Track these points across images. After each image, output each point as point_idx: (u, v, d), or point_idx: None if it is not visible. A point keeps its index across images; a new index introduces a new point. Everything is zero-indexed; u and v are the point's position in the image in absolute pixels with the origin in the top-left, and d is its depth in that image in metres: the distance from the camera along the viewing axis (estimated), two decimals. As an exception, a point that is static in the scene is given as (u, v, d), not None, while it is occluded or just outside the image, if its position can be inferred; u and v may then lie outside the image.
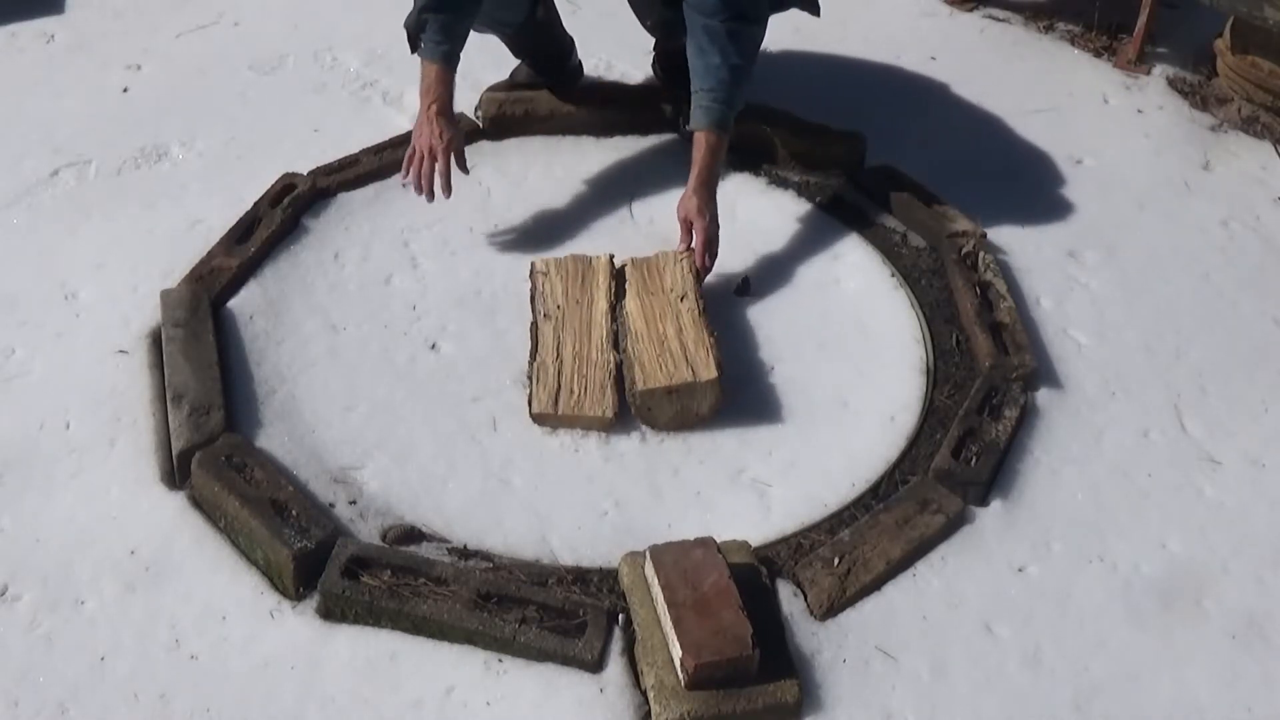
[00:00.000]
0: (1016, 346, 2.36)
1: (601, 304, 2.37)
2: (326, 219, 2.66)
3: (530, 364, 2.27)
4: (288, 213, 2.61)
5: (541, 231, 2.68)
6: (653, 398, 2.17)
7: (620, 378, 2.24)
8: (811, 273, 2.61)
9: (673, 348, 2.25)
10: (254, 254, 2.50)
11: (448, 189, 2.51)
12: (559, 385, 2.21)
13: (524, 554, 2.00)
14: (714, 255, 2.50)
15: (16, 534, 1.99)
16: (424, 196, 2.51)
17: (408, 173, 2.53)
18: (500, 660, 1.84)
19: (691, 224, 2.50)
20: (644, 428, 2.21)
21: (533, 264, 2.47)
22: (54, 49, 3.32)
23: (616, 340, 2.32)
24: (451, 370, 2.33)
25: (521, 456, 2.17)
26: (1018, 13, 3.71)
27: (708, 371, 2.20)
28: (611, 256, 2.49)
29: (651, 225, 2.71)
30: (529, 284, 2.44)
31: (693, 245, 2.49)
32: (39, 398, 2.22)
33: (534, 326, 2.34)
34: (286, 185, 2.68)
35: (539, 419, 2.19)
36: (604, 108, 2.96)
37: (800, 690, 1.78)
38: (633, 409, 2.19)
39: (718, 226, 2.53)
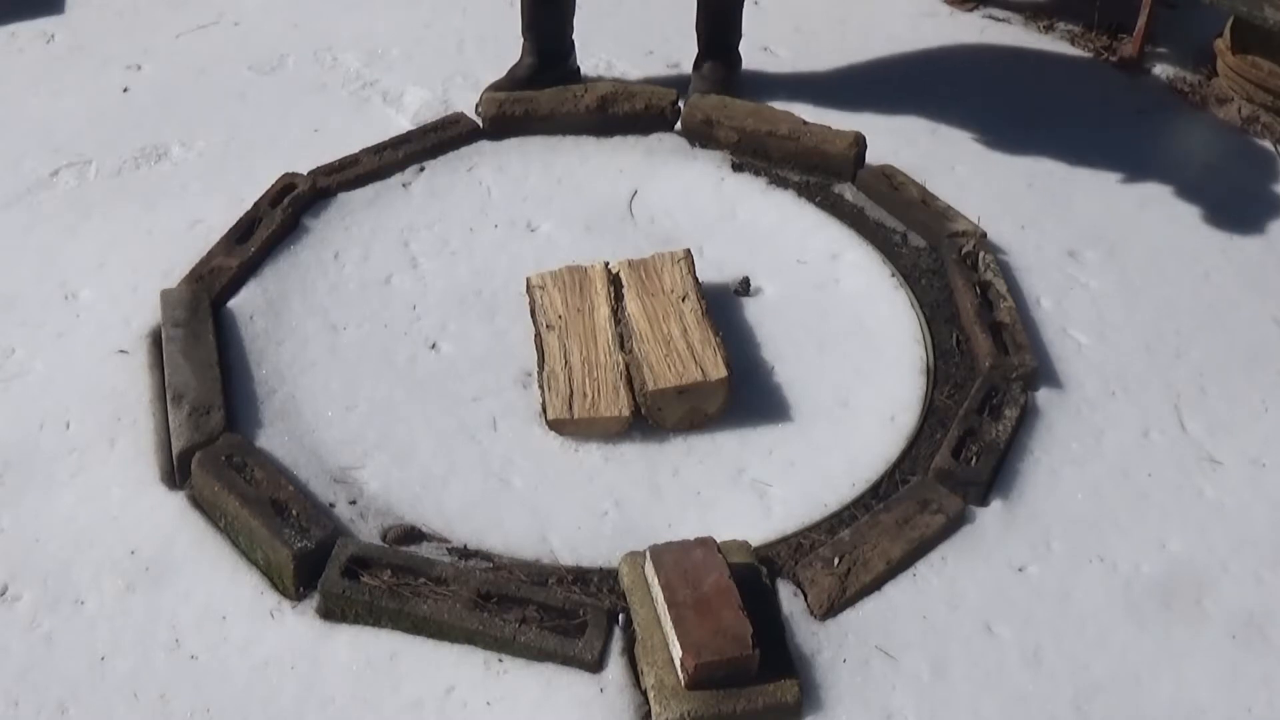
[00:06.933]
0: (1016, 346, 2.36)
1: (603, 309, 2.37)
2: (326, 219, 2.66)
3: (539, 374, 2.26)
4: (288, 213, 2.60)
5: (541, 231, 2.68)
6: (663, 398, 2.17)
7: (630, 378, 2.24)
8: (811, 273, 2.61)
9: (679, 348, 2.25)
10: (254, 254, 2.50)
11: None
12: (571, 390, 2.21)
13: (524, 554, 2.00)
14: None
15: (16, 534, 1.99)
16: None
17: None
18: (500, 660, 1.84)
19: None
20: (644, 428, 2.21)
21: (528, 279, 2.46)
22: (54, 49, 3.32)
23: (622, 343, 2.32)
24: (451, 370, 2.33)
25: (521, 456, 2.17)
26: (1018, 13, 3.71)
27: (717, 371, 2.20)
28: (606, 264, 2.48)
29: (652, 225, 2.71)
30: (527, 298, 2.44)
31: None
32: (39, 398, 2.22)
33: (538, 338, 2.33)
34: (286, 185, 2.68)
35: (555, 426, 2.19)
36: (604, 108, 2.96)
37: (800, 690, 1.78)
38: (643, 409, 2.19)
39: None
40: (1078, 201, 2.88)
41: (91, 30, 3.40)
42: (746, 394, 2.29)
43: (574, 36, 3.13)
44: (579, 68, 3.18)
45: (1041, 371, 2.36)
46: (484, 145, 2.92)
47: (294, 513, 1.96)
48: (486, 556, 1.99)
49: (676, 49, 3.32)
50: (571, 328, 2.34)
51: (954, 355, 2.41)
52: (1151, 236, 2.79)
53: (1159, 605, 1.98)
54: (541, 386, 2.24)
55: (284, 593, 1.91)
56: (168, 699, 1.77)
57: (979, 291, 2.48)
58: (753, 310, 2.51)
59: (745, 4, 3.13)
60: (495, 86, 3.05)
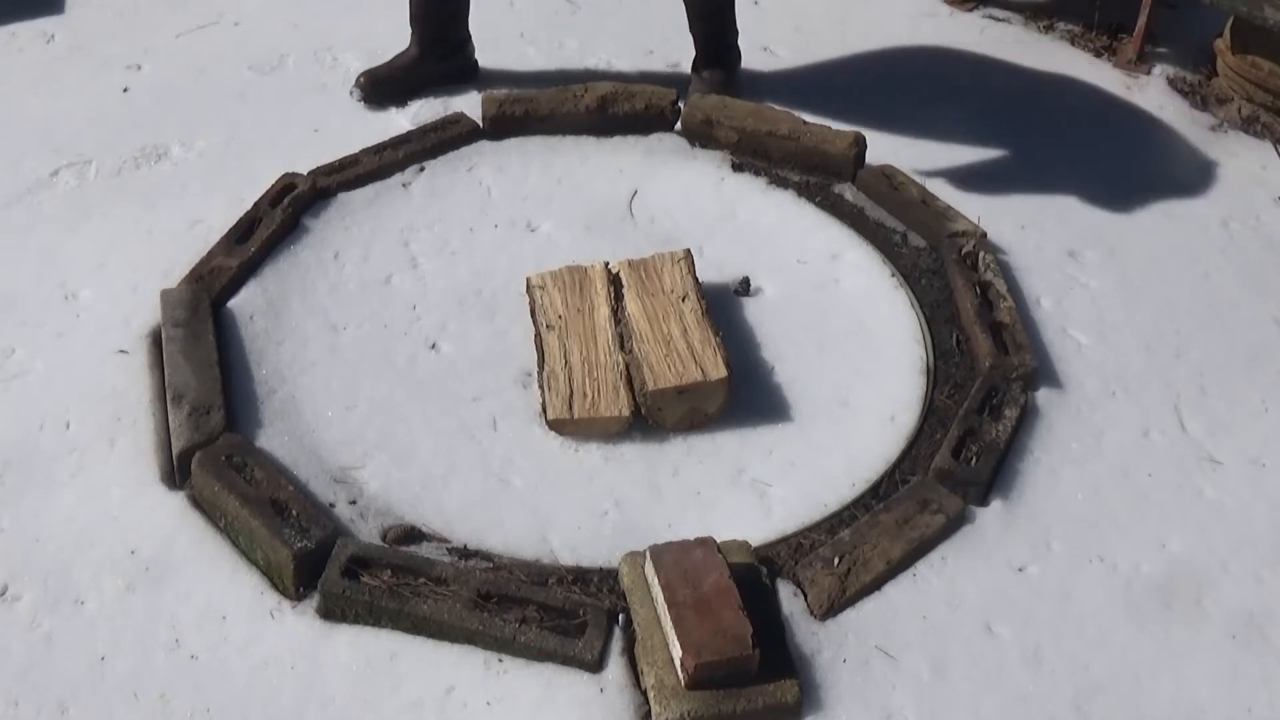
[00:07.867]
0: (1016, 346, 2.36)
1: (603, 309, 2.37)
2: (326, 219, 2.66)
3: (539, 374, 2.27)
4: (288, 213, 2.60)
5: (541, 231, 2.68)
6: (663, 398, 2.17)
7: (630, 378, 2.24)
8: (811, 273, 2.61)
9: (679, 348, 2.25)
10: (254, 254, 2.50)
11: None
12: (571, 390, 2.21)
13: (524, 554, 2.00)
14: None
15: (16, 534, 1.99)
16: None
17: None
18: (500, 660, 1.84)
19: None
20: (644, 428, 2.21)
21: (528, 279, 2.45)
22: (54, 49, 3.32)
23: (622, 343, 2.32)
24: (451, 370, 2.33)
25: (521, 456, 2.17)
26: (1018, 13, 3.71)
27: (717, 371, 2.20)
28: (606, 264, 2.48)
29: (652, 225, 2.71)
30: (527, 298, 2.44)
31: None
32: (39, 398, 2.22)
33: (538, 338, 2.33)
34: (286, 185, 2.68)
35: (555, 426, 2.19)
36: (604, 108, 2.96)
37: (800, 690, 1.78)
38: (643, 409, 2.19)
39: None
40: (1078, 201, 2.88)
41: (91, 30, 3.39)
42: (746, 394, 2.29)
43: (470, 28, 3.16)
44: (476, 61, 3.21)
45: (1041, 371, 2.36)
46: (484, 145, 2.92)
47: (294, 513, 1.96)
48: (486, 556, 1.99)
49: (676, 49, 3.32)
50: (571, 328, 2.34)
51: (954, 355, 2.41)
52: (1151, 236, 2.79)
53: (1159, 605, 1.98)
54: (541, 386, 2.24)
55: (284, 593, 1.91)
56: (168, 699, 1.77)
57: (979, 291, 2.48)
58: (753, 310, 2.51)
59: (743, 4, 3.12)
60: (371, 72, 3.08)
